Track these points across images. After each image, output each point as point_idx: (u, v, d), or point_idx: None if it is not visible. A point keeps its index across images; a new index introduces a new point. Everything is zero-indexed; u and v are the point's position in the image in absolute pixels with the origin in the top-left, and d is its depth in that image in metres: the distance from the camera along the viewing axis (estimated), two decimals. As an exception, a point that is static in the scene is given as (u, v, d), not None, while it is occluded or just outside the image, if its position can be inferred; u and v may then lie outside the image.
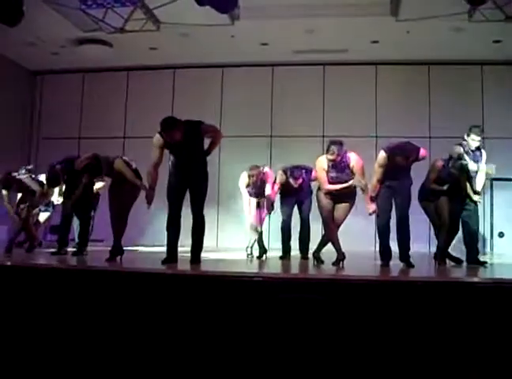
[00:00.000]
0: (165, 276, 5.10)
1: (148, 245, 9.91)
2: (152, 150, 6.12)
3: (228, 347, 4.33)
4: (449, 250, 7.08)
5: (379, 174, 6.35)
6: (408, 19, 9.27)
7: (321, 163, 6.51)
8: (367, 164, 6.46)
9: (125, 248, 6.75)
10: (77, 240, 7.66)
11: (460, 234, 7.00)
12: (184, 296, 4.59)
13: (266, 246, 8.13)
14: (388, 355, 4.18)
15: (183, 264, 5.88)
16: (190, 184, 6.14)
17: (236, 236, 10.57)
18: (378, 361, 4.18)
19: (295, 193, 7.72)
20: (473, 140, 6.91)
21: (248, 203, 7.97)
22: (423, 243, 9.87)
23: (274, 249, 8.38)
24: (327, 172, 6.46)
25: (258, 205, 7.99)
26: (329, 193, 6.50)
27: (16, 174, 8.07)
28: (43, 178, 7.91)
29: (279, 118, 12.12)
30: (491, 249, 11.36)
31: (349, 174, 6.42)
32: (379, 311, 4.32)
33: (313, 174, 7.54)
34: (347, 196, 6.52)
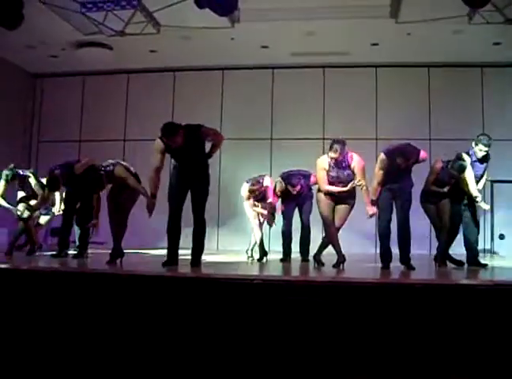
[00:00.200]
0: (165, 279, 5.10)
1: (149, 247, 9.90)
2: (152, 155, 6.13)
3: (228, 350, 4.32)
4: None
5: (379, 177, 6.34)
6: (408, 21, 9.27)
7: (322, 163, 6.51)
8: (367, 166, 6.46)
9: (125, 250, 6.75)
10: (77, 243, 7.67)
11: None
12: (184, 299, 4.59)
13: (267, 249, 8.12)
14: (389, 357, 4.17)
15: (184, 267, 5.89)
16: (192, 187, 6.14)
17: (237, 239, 10.58)
18: (378, 363, 4.17)
19: (295, 197, 7.74)
20: (480, 151, 6.85)
21: (251, 212, 7.93)
22: (423, 245, 9.86)
23: (275, 252, 8.38)
24: (328, 171, 6.46)
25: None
26: (329, 194, 6.50)
27: (21, 171, 8.06)
28: (44, 181, 7.90)
29: (279, 120, 12.12)
30: (492, 251, 11.35)
31: (350, 174, 6.42)
32: (380, 313, 4.32)
33: (312, 179, 7.56)
34: (347, 197, 6.51)
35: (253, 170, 8.30)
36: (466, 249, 7.05)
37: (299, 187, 7.60)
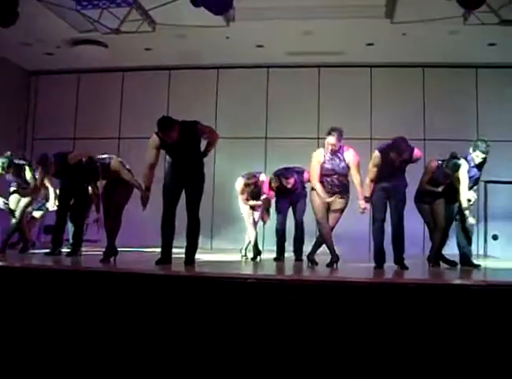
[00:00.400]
0: (159, 277, 5.09)
1: (143, 245, 9.89)
2: (147, 150, 6.12)
3: (222, 349, 4.32)
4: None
5: (373, 174, 6.38)
6: (404, 21, 9.29)
7: (318, 156, 6.55)
8: (361, 166, 6.49)
9: (119, 248, 6.74)
10: (71, 241, 7.65)
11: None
12: (178, 297, 4.59)
13: (260, 248, 8.12)
14: (382, 357, 4.18)
15: (177, 265, 5.88)
16: (186, 185, 6.13)
17: (231, 237, 10.58)
18: (372, 363, 4.18)
19: (289, 195, 7.74)
20: (478, 157, 6.82)
21: (245, 208, 7.94)
22: (417, 245, 9.87)
23: (268, 251, 8.39)
24: (323, 163, 6.48)
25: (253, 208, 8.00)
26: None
27: (17, 160, 7.98)
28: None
29: (274, 119, 12.13)
30: (485, 251, 11.38)
31: (345, 167, 6.49)
32: (373, 313, 4.33)
33: (305, 175, 7.58)
34: (341, 192, 6.54)
35: (247, 168, 8.28)
36: (459, 250, 7.08)
37: (292, 180, 7.59)
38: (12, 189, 8.02)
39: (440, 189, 6.80)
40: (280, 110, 12.04)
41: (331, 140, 6.42)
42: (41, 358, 4.47)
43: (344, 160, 6.48)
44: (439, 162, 6.84)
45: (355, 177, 6.49)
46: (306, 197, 7.53)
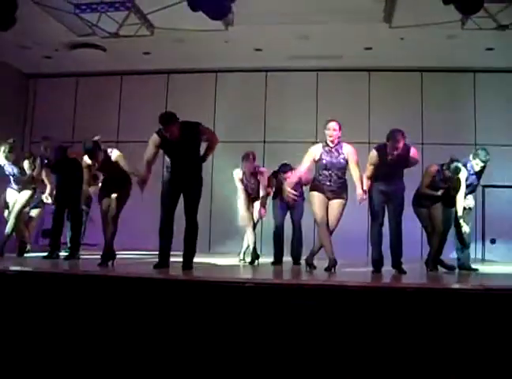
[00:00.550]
0: (157, 281, 5.09)
1: (141, 249, 9.87)
2: (146, 148, 6.13)
3: (220, 353, 4.32)
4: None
5: (369, 172, 6.46)
6: (402, 26, 9.31)
7: (314, 151, 6.56)
8: (360, 167, 6.51)
9: (117, 252, 6.74)
10: (69, 244, 7.65)
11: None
12: (176, 301, 4.59)
13: (258, 252, 8.12)
14: (380, 361, 4.18)
15: (175, 269, 5.88)
16: (185, 189, 6.13)
17: (229, 241, 10.56)
18: (370, 367, 4.18)
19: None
20: (477, 165, 6.90)
21: (243, 198, 7.94)
22: (415, 249, 9.88)
23: (266, 255, 8.38)
24: (320, 159, 6.48)
25: (252, 201, 8.01)
26: (320, 190, 6.50)
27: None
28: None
29: (272, 123, 12.13)
30: (483, 255, 11.38)
31: (343, 163, 6.47)
32: (371, 317, 4.33)
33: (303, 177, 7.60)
34: (339, 191, 6.53)
35: (246, 172, 8.27)
36: (457, 254, 7.09)
37: (289, 174, 7.58)
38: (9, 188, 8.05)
39: (439, 193, 6.81)
40: (278, 113, 12.04)
41: (330, 132, 6.46)
42: (39, 362, 4.46)
43: (342, 154, 6.48)
44: (439, 165, 6.85)
45: (353, 171, 6.47)
46: (304, 200, 7.54)
